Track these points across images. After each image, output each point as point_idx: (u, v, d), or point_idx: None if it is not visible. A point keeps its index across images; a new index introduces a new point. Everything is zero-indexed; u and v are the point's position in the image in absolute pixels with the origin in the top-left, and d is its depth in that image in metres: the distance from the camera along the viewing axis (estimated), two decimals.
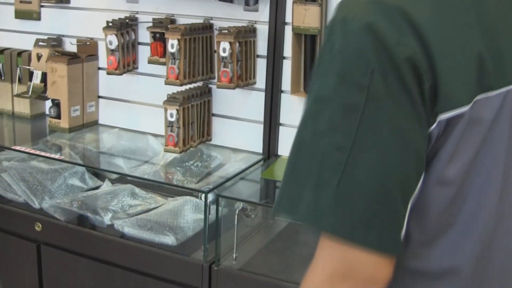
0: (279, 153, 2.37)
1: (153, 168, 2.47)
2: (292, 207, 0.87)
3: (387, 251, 0.85)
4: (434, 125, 0.86)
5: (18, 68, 2.71)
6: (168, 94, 2.27)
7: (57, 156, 2.41)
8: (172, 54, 2.20)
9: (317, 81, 0.89)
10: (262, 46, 2.31)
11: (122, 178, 2.54)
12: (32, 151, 2.39)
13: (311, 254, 2.10)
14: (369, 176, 0.83)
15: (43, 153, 2.35)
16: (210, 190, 2.02)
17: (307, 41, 2.19)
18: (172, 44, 2.19)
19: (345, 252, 0.85)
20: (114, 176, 2.57)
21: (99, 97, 2.69)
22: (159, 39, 2.36)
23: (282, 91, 2.30)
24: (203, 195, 2.26)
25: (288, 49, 2.25)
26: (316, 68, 0.90)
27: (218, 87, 2.23)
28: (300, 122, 0.90)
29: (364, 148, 0.83)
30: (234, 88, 2.22)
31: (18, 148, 2.42)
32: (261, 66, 2.33)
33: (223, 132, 2.47)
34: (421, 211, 0.90)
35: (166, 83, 2.25)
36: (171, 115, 2.24)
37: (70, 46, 2.68)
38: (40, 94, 2.63)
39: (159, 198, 2.42)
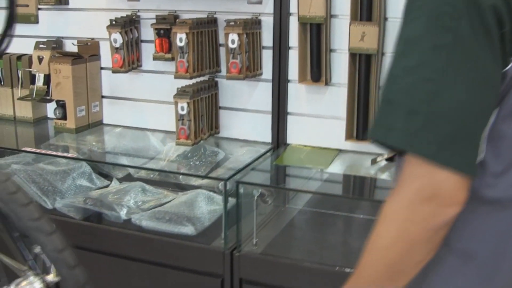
0: (288, 141, 2.42)
1: (159, 164, 2.51)
2: (385, 133, 0.99)
3: (467, 173, 0.96)
4: (511, 64, 0.97)
5: (19, 72, 2.71)
6: (177, 88, 2.31)
7: (71, 155, 2.43)
8: (181, 48, 2.24)
9: (407, 25, 1.00)
10: (266, 37, 2.36)
11: (129, 177, 2.57)
12: (49, 152, 2.41)
13: (329, 236, 2.15)
14: (454, 106, 0.94)
15: (60, 154, 2.37)
16: (230, 178, 2.06)
17: (312, 30, 2.25)
18: (181, 38, 2.23)
19: (432, 173, 0.95)
20: (121, 175, 2.60)
21: (103, 96, 2.71)
22: (163, 35, 2.40)
23: (289, 81, 2.36)
24: (218, 186, 2.32)
25: (292, 39, 2.31)
26: (405, 15, 1.01)
27: (228, 78, 2.28)
28: (391, 62, 1.01)
29: (450, 81, 0.94)
30: (243, 79, 2.27)
31: (28, 149, 2.42)
32: (266, 57, 2.38)
33: (231, 124, 2.51)
34: (497, 143, 1.01)
35: (176, 77, 2.28)
36: (182, 108, 2.27)
37: (71, 47, 2.69)
38: (43, 97, 2.65)
39: (169, 193, 2.45)
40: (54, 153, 2.38)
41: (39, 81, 2.65)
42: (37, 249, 1.30)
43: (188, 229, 2.15)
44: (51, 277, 1.31)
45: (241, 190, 2.03)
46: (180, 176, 2.56)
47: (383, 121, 1.00)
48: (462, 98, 0.94)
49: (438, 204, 0.96)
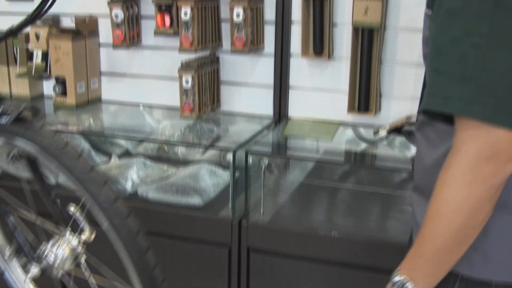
0: (290, 115, 2.46)
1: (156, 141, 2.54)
2: (441, 102, 1.03)
3: None
4: None
5: (15, 49, 2.70)
6: (181, 61, 2.33)
7: (75, 128, 2.43)
8: (186, 22, 2.26)
9: None
10: (269, 12, 2.39)
11: (127, 154, 2.59)
12: (53, 127, 2.41)
13: (332, 205, 2.19)
14: (503, 68, 0.99)
15: (63, 129, 2.37)
16: (238, 148, 2.09)
17: (315, 4, 2.28)
18: (186, 12, 2.25)
19: (489, 134, 1.00)
20: (119, 151, 2.61)
21: (101, 73, 2.71)
22: (165, 10, 2.41)
23: (291, 55, 2.39)
24: (223, 157, 2.35)
25: (295, 13, 2.35)
26: None
27: (233, 51, 2.31)
28: (434, 34, 1.06)
29: (497, 46, 0.99)
30: (248, 52, 2.30)
31: None
32: (268, 32, 2.41)
33: (232, 99, 2.54)
34: None
35: (180, 51, 2.30)
36: (187, 82, 2.30)
37: (67, 24, 2.69)
38: (41, 73, 2.64)
39: (169, 168, 2.47)
40: (59, 128, 2.38)
41: (37, 58, 2.64)
42: (72, 209, 1.32)
43: (195, 200, 2.17)
44: (86, 236, 1.34)
45: (250, 160, 2.06)
46: (179, 152, 2.59)
47: (437, 91, 1.04)
48: (509, 60, 0.99)
49: (498, 162, 1.01)
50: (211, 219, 2.11)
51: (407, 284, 1.13)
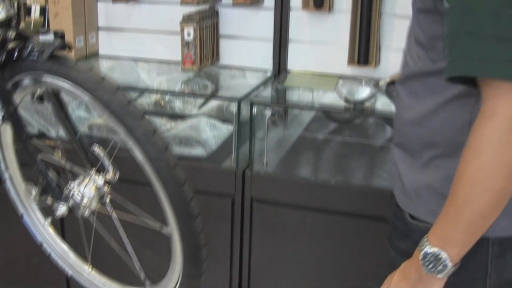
0: (289, 68, 2.49)
1: (152, 97, 2.55)
2: (478, 66, 0.99)
3: None
4: None
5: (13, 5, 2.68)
6: (183, 14, 2.34)
7: None
8: None
9: None
10: None
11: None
12: None
13: (332, 156, 2.22)
14: None
15: None
16: (242, 98, 2.12)
17: None
18: None
19: None
20: None
21: (99, 28, 2.71)
22: None
23: (291, 8, 2.41)
24: (226, 108, 2.37)
25: None
26: None
27: (234, 4, 2.33)
28: None
29: None
30: (250, 5, 2.32)
31: None
32: None
33: (231, 52, 2.56)
34: None
35: (182, 4, 2.31)
36: (188, 34, 2.31)
37: None
38: (38, 29, 2.63)
39: (169, 121, 2.49)
40: None
41: (36, 13, 2.62)
42: (96, 150, 1.35)
43: (199, 151, 2.20)
44: (110, 176, 1.37)
45: (255, 110, 2.08)
46: (176, 106, 2.60)
47: (470, 55, 0.99)
48: None
49: None
50: (215, 170, 2.14)
51: (441, 254, 1.09)
